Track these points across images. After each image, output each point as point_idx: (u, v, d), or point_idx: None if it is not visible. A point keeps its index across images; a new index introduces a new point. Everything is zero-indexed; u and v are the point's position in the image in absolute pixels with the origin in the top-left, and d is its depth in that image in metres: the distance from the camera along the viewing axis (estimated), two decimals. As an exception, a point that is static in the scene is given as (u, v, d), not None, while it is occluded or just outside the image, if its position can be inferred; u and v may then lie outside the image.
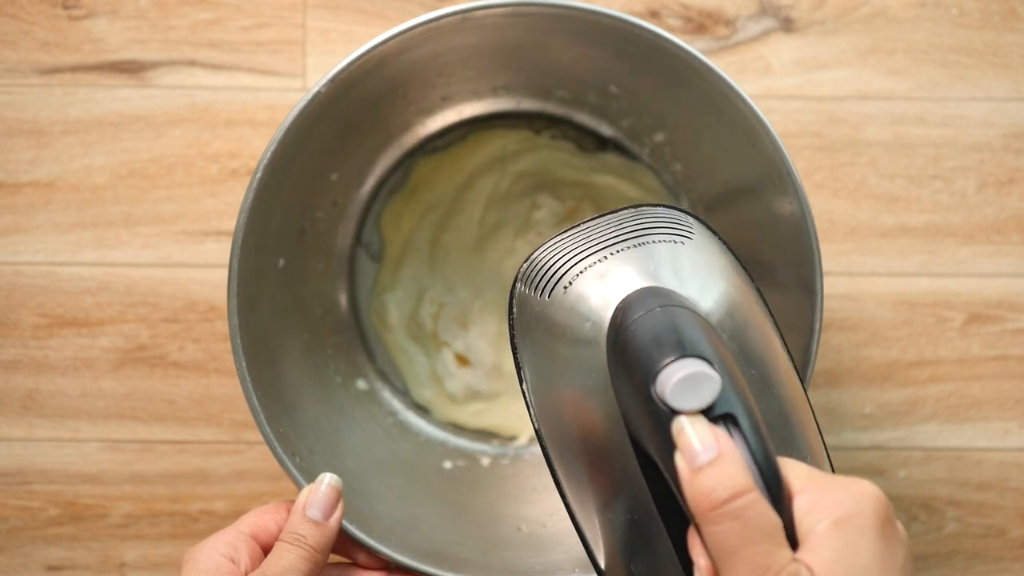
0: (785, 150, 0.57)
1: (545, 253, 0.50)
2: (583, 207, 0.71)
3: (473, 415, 0.72)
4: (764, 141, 0.57)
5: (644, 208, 0.51)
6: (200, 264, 0.72)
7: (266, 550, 0.54)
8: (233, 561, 0.52)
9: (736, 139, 0.59)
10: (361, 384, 0.71)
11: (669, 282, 0.47)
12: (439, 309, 0.72)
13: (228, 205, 0.72)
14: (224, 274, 0.57)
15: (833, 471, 0.48)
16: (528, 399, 0.50)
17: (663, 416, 0.42)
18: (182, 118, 0.72)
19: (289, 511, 0.55)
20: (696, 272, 0.48)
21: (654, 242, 0.49)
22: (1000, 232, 0.72)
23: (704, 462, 0.40)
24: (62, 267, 0.72)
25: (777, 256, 0.61)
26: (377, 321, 0.72)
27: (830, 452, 0.50)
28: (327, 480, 0.54)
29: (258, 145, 0.71)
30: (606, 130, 0.70)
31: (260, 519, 0.55)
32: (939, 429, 0.72)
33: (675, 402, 0.41)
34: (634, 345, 0.44)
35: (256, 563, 0.53)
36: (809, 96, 0.72)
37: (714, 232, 0.51)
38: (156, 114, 0.71)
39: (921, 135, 0.72)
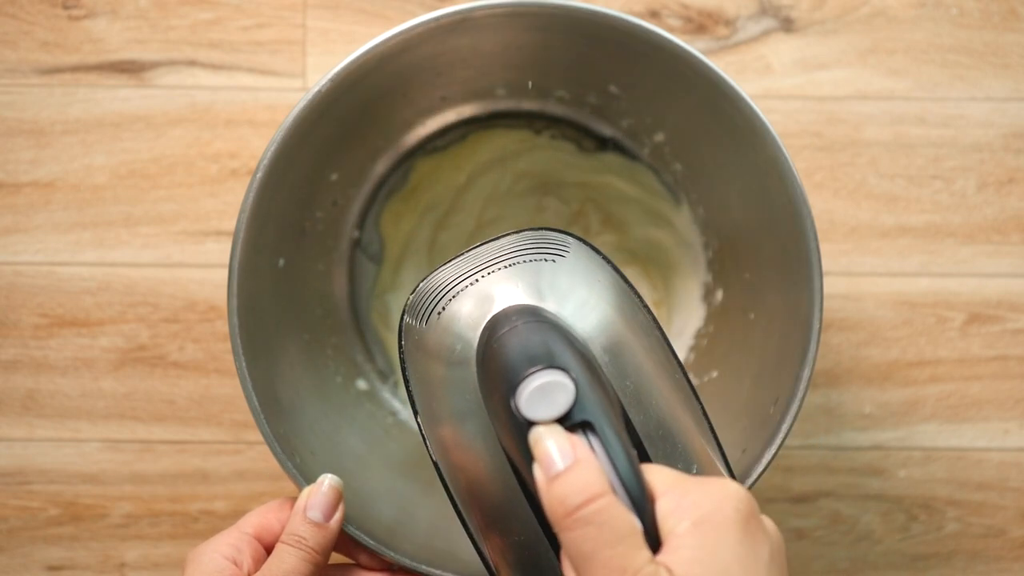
0: (785, 150, 0.57)
1: (427, 283, 0.51)
2: (587, 209, 0.71)
3: None
4: (764, 141, 0.57)
5: (525, 232, 0.52)
6: (200, 264, 0.72)
7: (269, 549, 0.54)
8: (235, 563, 0.52)
9: (736, 139, 0.59)
10: (361, 384, 0.71)
11: (544, 299, 0.48)
12: None
13: (228, 205, 0.72)
14: (224, 274, 0.57)
15: (733, 476, 0.48)
16: (422, 431, 0.50)
17: (522, 427, 0.42)
18: (182, 118, 0.72)
19: (292, 508, 0.54)
20: (573, 288, 0.49)
21: (527, 261, 0.49)
22: (1000, 232, 0.72)
23: (560, 470, 0.40)
24: (62, 267, 0.72)
25: (777, 256, 0.61)
26: (379, 321, 0.72)
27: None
28: (327, 481, 0.54)
29: (258, 145, 0.71)
30: (606, 130, 0.70)
31: (263, 518, 0.55)
32: (939, 429, 0.72)
33: (529, 412, 0.41)
34: (497, 361, 0.44)
35: (259, 563, 0.53)
36: (809, 96, 0.72)
37: (595, 250, 0.51)
38: (156, 114, 0.71)
39: (921, 135, 0.72)
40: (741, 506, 0.40)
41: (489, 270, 0.50)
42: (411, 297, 0.51)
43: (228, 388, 0.72)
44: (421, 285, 0.51)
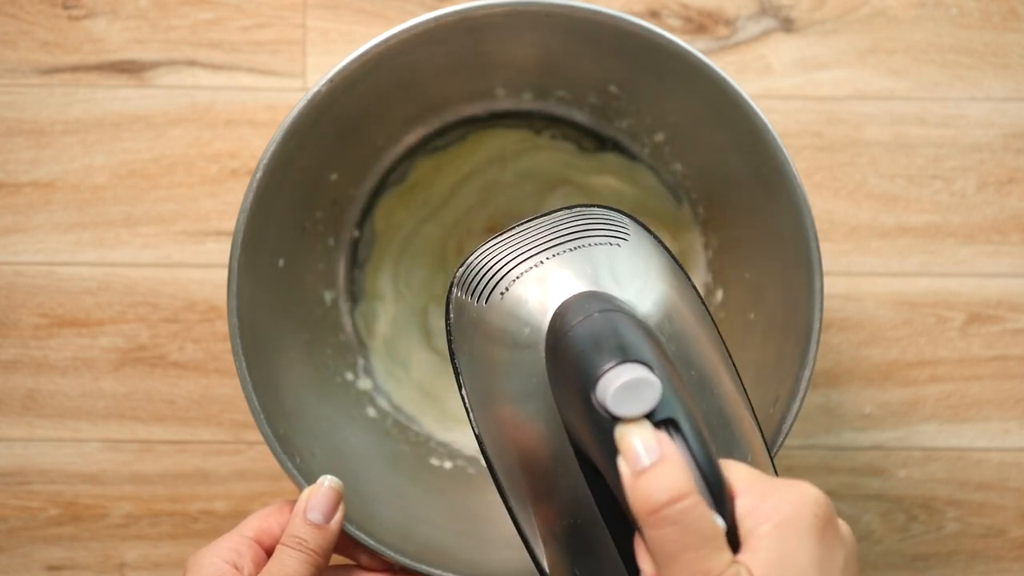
0: (785, 150, 0.57)
1: (481, 257, 0.50)
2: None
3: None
4: (764, 141, 0.57)
5: (580, 208, 0.51)
6: (200, 264, 0.72)
7: (270, 553, 0.54)
8: (236, 567, 0.52)
9: (736, 139, 0.59)
10: (361, 384, 0.71)
11: (607, 285, 0.47)
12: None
13: (228, 205, 0.72)
14: (224, 274, 0.57)
15: (775, 470, 0.49)
16: (467, 405, 0.50)
17: (604, 422, 0.42)
18: (182, 118, 0.71)
19: (292, 511, 0.54)
20: (634, 274, 0.48)
21: (591, 244, 0.49)
22: (1000, 232, 0.72)
23: (646, 465, 0.40)
24: (62, 267, 0.72)
25: (777, 256, 0.61)
26: (364, 329, 0.72)
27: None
28: (327, 482, 0.54)
29: (258, 145, 0.71)
30: (606, 130, 0.70)
31: (263, 522, 0.54)
32: (939, 429, 0.72)
33: (617, 409, 0.41)
34: (573, 351, 0.44)
35: (260, 567, 0.53)
36: (809, 96, 0.72)
37: (650, 232, 0.51)
38: (156, 114, 0.71)
39: (921, 135, 0.72)
40: (819, 511, 0.41)
41: (553, 252, 0.48)
42: (461, 270, 0.50)
43: (228, 388, 0.72)
44: (473, 259, 0.50)
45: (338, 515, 0.54)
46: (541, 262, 0.48)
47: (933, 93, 0.72)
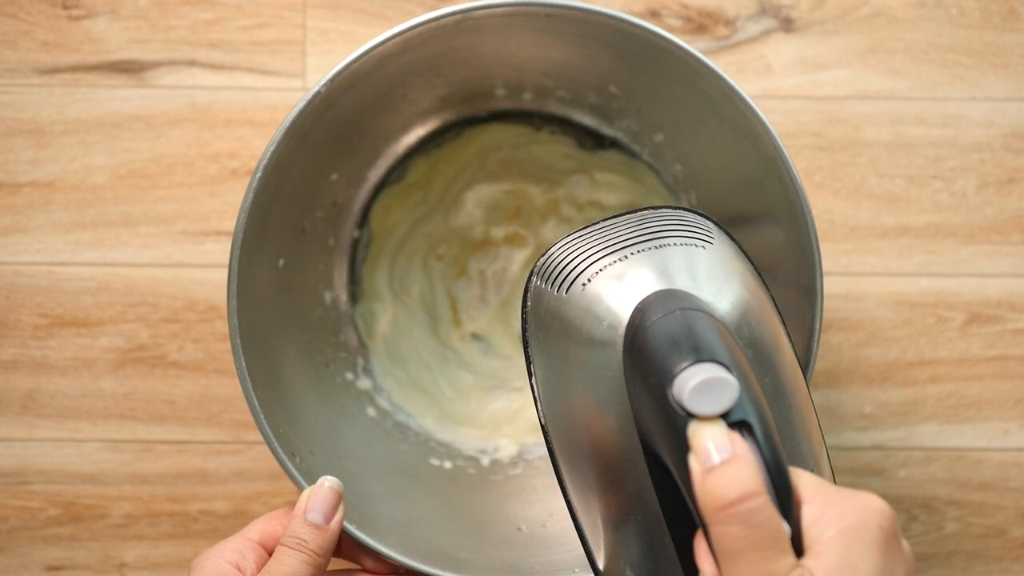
0: (785, 150, 0.57)
1: (563, 249, 0.50)
2: (586, 208, 0.71)
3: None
4: (764, 141, 0.57)
5: (663, 210, 0.51)
6: (200, 264, 0.72)
7: None
8: (239, 568, 0.52)
9: (736, 139, 0.59)
10: (361, 384, 0.71)
11: (687, 285, 0.47)
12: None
13: (228, 205, 0.71)
14: (224, 274, 0.57)
15: (835, 481, 0.48)
16: (536, 393, 0.50)
17: (679, 419, 0.42)
18: (182, 118, 0.71)
19: None
20: (714, 277, 0.48)
21: (673, 244, 0.49)
22: (1000, 232, 0.72)
23: (716, 463, 0.40)
24: (62, 267, 0.72)
25: (777, 256, 0.61)
26: (364, 330, 0.72)
27: (831, 456, 0.50)
28: (327, 483, 0.54)
29: (258, 145, 0.71)
30: (606, 130, 0.70)
31: (268, 525, 0.55)
32: (939, 429, 0.72)
33: (693, 406, 0.41)
34: (652, 347, 0.44)
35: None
36: (809, 96, 0.72)
37: (731, 237, 0.51)
38: (156, 114, 0.71)
39: (921, 135, 0.72)
40: (885, 523, 0.41)
41: (636, 248, 0.48)
42: (542, 259, 0.51)
43: (228, 388, 0.72)
44: (555, 249, 0.50)
45: (338, 516, 0.54)
46: (623, 258, 0.48)
47: (933, 93, 0.72)
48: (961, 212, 0.72)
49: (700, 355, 0.42)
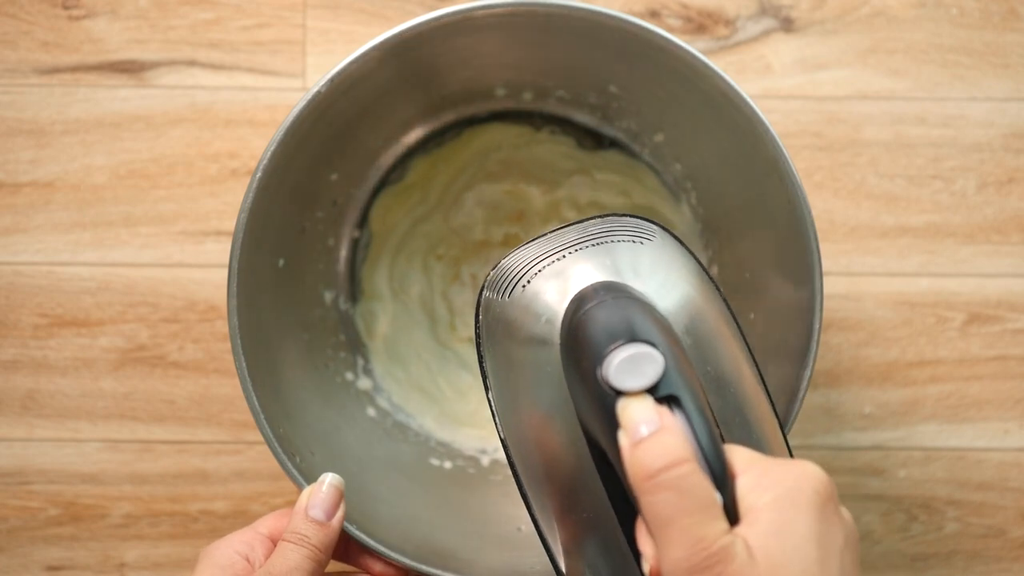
0: (785, 150, 0.57)
1: (511, 259, 0.51)
2: (585, 207, 0.71)
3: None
4: (764, 141, 0.57)
5: (609, 216, 0.52)
6: (200, 264, 0.72)
7: None
8: (248, 560, 0.53)
9: (736, 139, 0.59)
10: (361, 384, 0.71)
11: (627, 278, 0.48)
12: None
13: (228, 205, 0.72)
14: (224, 274, 0.57)
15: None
16: (492, 407, 0.50)
17: (608, 398, 0.42)
18: (182, 118, 0.72)
19: None
20: (655, 270, 0.49)
21: (613, 242, 0.49)
22: (1000, 232, 0.72)
23: (644, 435, 0.40)
24: (62, 267, 0.72)
25: (777, 256, 0.61)
26: (364, 330, 0.72)
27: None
28: (328, 480, 0.54)
29: (258, 145, 0.71)
30: (606, 130, 0.70)
31: (279, 521, 0.55)
32: (939, 429, 0.72)
33: (618, 382, 0.42)
34: (584, 333, 0.44)
35: None
36: (809, 96, 0.72)
37: (677, 239, 0.51)
38: (156, 114, 0.71)
39: (921, 135, 0.72)
40: (821, 488, 0.41)
41: (576, 247, 0.49)
42: (492, 272, 0.51)
43: (228, 388, 0.72)
44: (504, 261, 0.51)
45: (339, 513, 0.54)
46: (562, 256, 0.49)
47: (933, 93, 0.72)
48: (961, 212, 0.72)
49: (628, 336, 0.43)
